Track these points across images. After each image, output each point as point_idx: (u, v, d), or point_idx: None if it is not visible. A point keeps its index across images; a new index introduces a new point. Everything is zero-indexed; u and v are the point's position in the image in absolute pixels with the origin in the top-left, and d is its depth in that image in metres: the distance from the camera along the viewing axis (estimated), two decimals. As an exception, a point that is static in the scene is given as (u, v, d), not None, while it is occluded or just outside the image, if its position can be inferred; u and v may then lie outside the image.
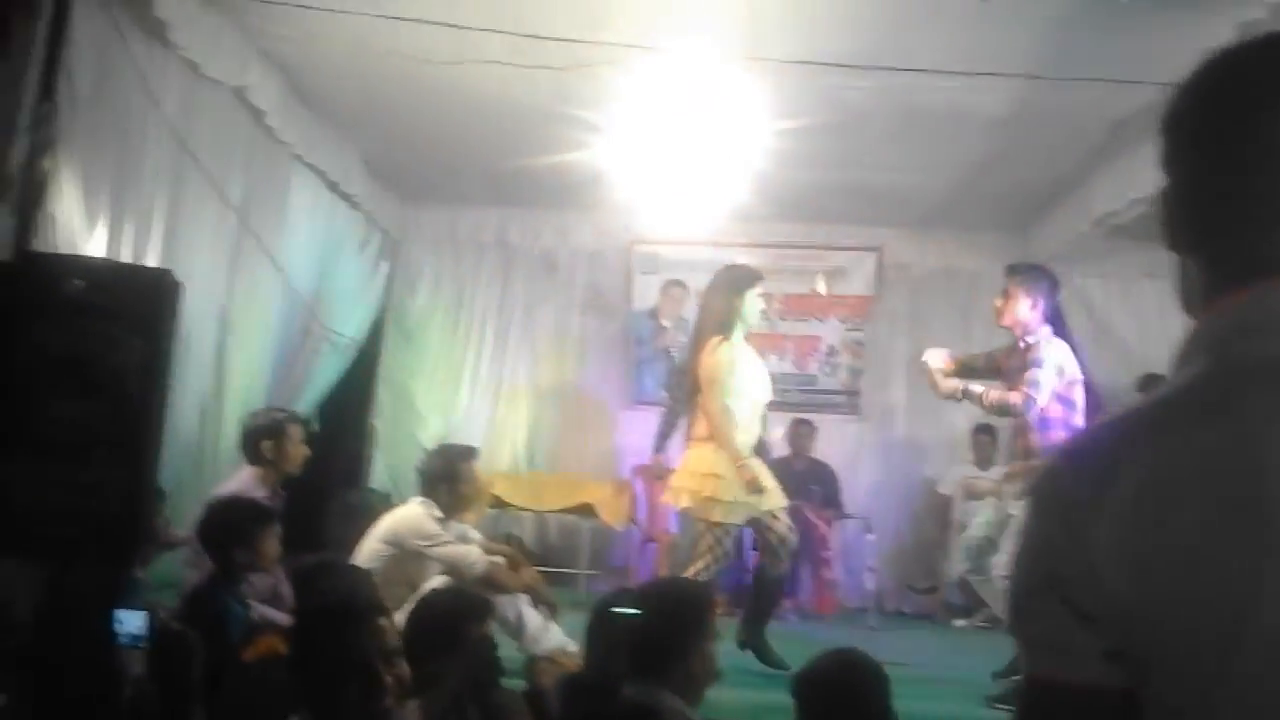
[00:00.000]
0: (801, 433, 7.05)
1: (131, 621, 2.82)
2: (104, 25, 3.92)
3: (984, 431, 6.94)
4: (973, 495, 6.67)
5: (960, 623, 6.47)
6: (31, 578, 3.53)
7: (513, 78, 4.69)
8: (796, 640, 4.76)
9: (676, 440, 6.53)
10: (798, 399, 7.50)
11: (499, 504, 6.92)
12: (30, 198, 3.63)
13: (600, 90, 4.79)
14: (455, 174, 6.85)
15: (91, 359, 3.11)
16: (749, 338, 4.88)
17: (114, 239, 4.07)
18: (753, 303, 4.69)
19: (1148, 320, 7.02)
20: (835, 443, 7.42)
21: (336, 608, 2.33)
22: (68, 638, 2.92)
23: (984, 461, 6.88)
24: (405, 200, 7.52)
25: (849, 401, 7.70)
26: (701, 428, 4.60)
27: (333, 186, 6.27)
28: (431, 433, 7.61)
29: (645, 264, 7.74)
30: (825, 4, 3.85)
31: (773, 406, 7.19)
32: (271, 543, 3.49)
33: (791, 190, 6.32)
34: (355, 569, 3.23)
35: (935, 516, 7.13)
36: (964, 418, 7.25)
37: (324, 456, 6.49)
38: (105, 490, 3.12)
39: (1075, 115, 5.07)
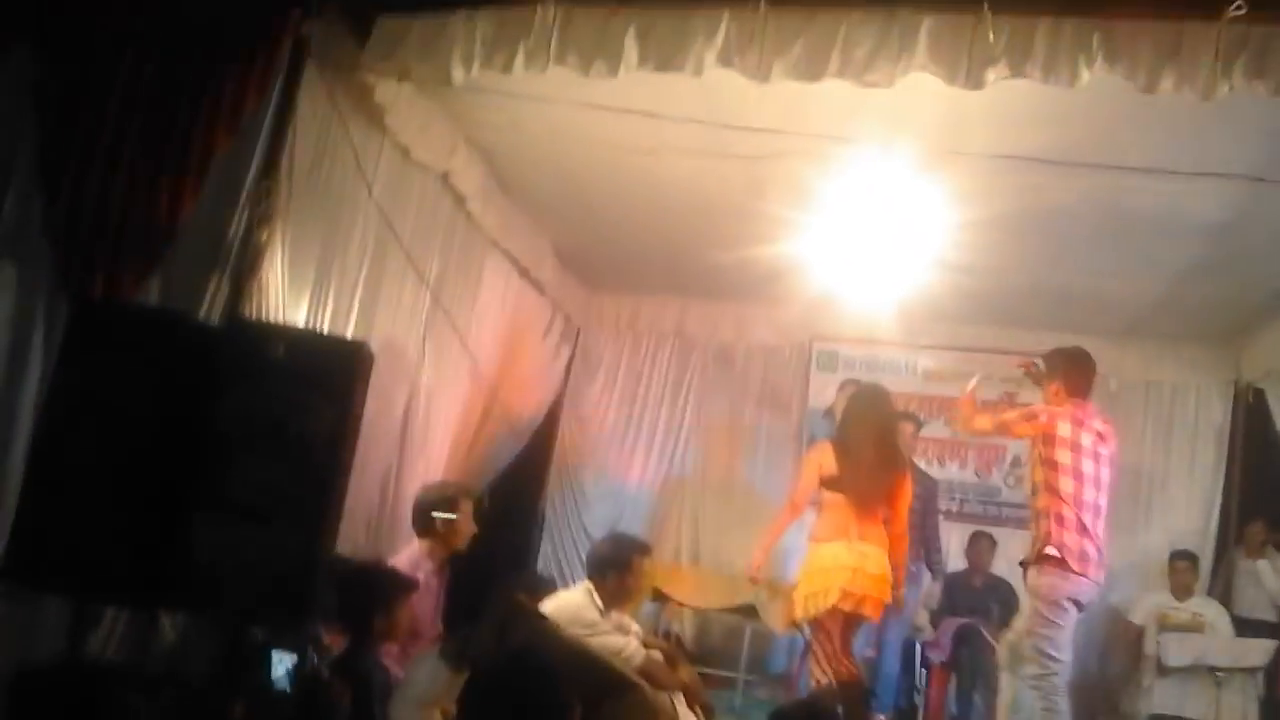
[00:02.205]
0: (981, 546, 6.68)
1: (283, 662, 2.85)
2: (326, 108, 4.18)
3: (1183, 558, 6.43)
4: (1168, 627, 6.18)
5: (1148, 764, 5.92)
6: (208, 634, 3.66)
7: (706, 168, 4.74)
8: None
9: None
10: (978, 510, 7.16)
11: (660, 597, 6.81)
12: (245, 267, 3.85)
13: (792, 182, 4.77)
14: (639, 263, 6.95)
15: (285, 424, 3.22)
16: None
17: (316, 310, 4.27)
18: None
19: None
20: (1017, 559, 6.99)
21: (534, 647, 2.30)
22: (240, 692, 2.97)
23: (1182, 591, 6.35)
24: (589, 287, 7.65)
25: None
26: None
27: (523, 272, 6.45)
28: (598, 519, 7.61)
29: (824, 361, 7.60)
30: (1033, 100, 3.70)
31: (952, 517, 6.99)
32: (408, 614, 3.50)
33: (981, 293, 6.11)
34: (541, 615, 3.21)
35: (1126, 647, 6.58)
36: (1160, 542, 6.77)
37: (493, 538, 6.58)
38: (284, 554, 3.20)
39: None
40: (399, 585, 3.53)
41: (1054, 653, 4.19)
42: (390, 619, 3.41)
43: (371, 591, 3.44)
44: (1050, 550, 4.20)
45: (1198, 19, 3.24)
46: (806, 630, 5.07)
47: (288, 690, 2.90)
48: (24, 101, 4.01)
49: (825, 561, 4.54)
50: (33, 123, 3.99)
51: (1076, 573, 4.16)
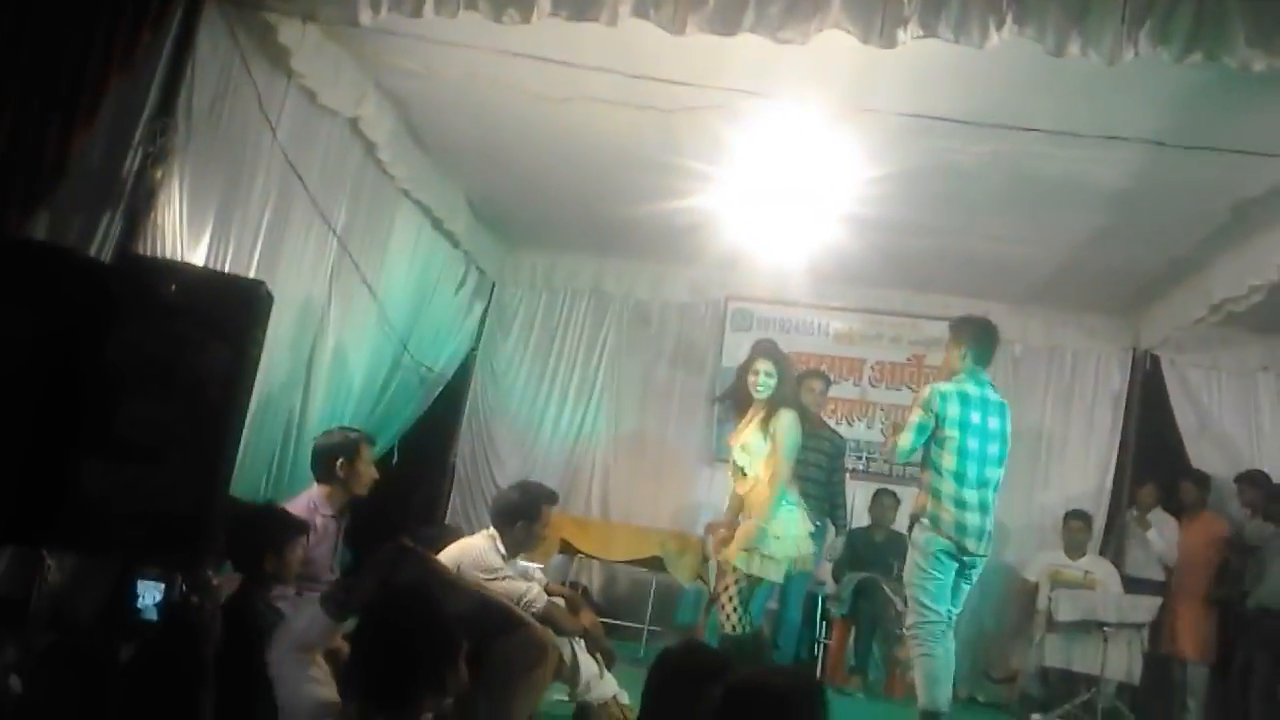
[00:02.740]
0: (884, 504, 6.83)
1: (150, 592, 2.82)
2: (227, 47, 4.05)
3: (1077, 517, 6.65)
4: (1060, 584, 6.40)
5: (1037, 716, 6.14)
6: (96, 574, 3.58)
7: (621, 121, 4.70)
8: (862, 720, 4.56)
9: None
10: (883, 469, 7.31)
11: (567, 548, 6.84)
12: (138, 206, 3.73)
13: (705, 137, 4.78)
14: (556, 218, 6.90)
15: (177, 362, 3.14)
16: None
17: (216, 252, 4.16)
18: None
19: (1260, 416, 6.73)
20: (918, 517, 7.18)
21: (419, 589, 2.30)
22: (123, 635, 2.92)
23: (1074, 550, 6.57)
24: (504, 242, 7.59)
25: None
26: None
27: (436, 224, 6.36)
28: (509, 473, 7.60)
29: (739, 320, 7.66)
30: (942, 61, 3.75)
31: (858, 475, 7.13)
32: (298, 555, 3.48)
33: (891, 256, 6.20)
34: (432, 558, 3.20)
35: (1019, 603, 6.81)
36: (1057, 502, 6.99)
37: (402, 490, 6.53)
38: (176, 494, 3.13)
39: (1198, 192, 4.88)
40: (290, 526, 3.48)
41: (929, 602, 4.35)
42: (282, 561, 3.37)
43: (262, 532, 3.39)
44: (924, 520, 4.36)
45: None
46: (714, 581, 5.15)
47: (155, 620, 2.86)
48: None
49: (793, 529, 4.59)
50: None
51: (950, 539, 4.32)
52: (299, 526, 3.53)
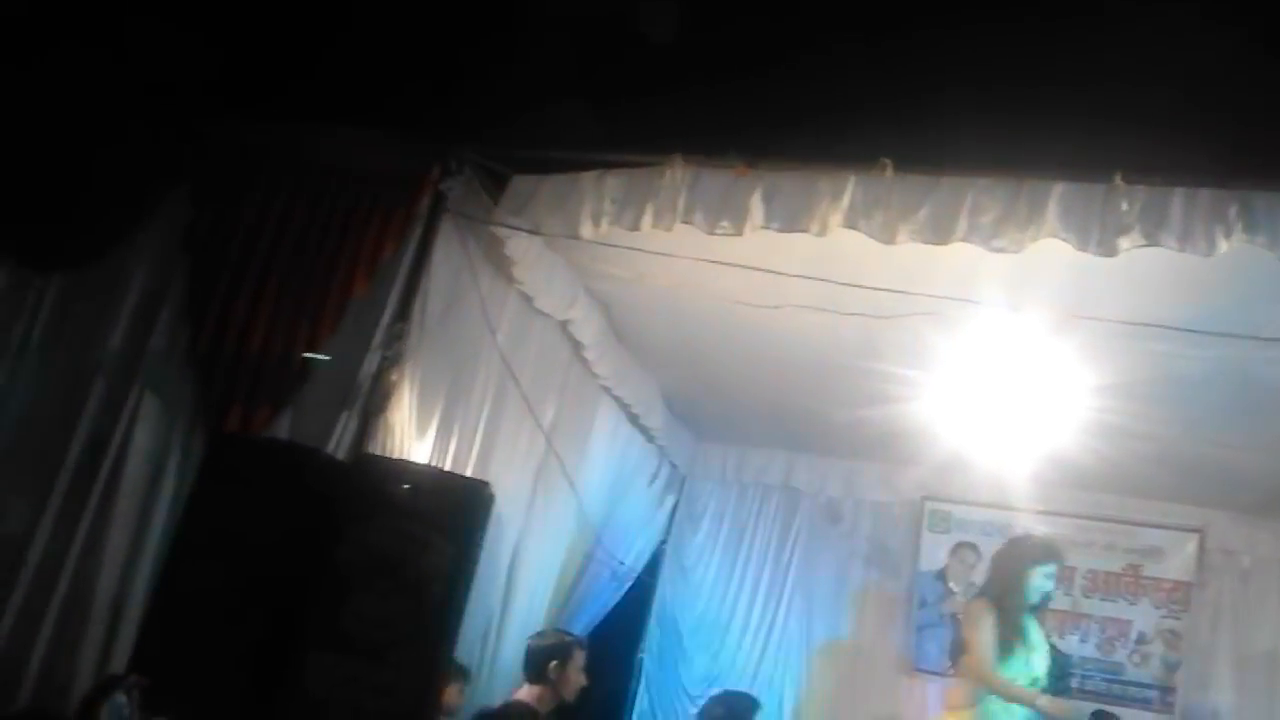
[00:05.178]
0: (1103, 727, 6.29)
1: None
2: (459, 257, 4.36)
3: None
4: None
5: None
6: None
7: (821, 325, 4.74)
8: None
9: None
10: (1100, 687, 6.76)
11: (762, 760, 6.53)
12: (374, 406, 3.97)
13: (910, 342, 4.75)
14: (748, 415, 6.93)
15: (405, 560, 3.27)
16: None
17: (439, 450, 4.35)
18: (1039, 581, 4.40)
19: None
20: (1141, 743, 6.56)
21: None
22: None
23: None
24: (697, 436, 7.65)
25: (1161, 698, 6.83)
26: (956, 694, 4.28)
27: (633, 419, 6.50)
28: (697, 674, 7.42)
29: (936, 522, 7.39)
30: (1164, 267, 3.65)
31: (1073, 694, 6.61)
32: None
33: (1105, 460, 5.90)
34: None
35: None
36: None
37: (590, 688, 6.43)
38: (397, 692, 3.19)
39: None
40: None
41: None
42: None
43: None
44: None
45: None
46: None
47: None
48: (177, 241, 4.29)
49: None
50: (184, 261, 4.27)
51: None
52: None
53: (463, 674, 4.36)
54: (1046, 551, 4.59)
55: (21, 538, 3.93)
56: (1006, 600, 4.44)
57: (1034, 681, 5.02)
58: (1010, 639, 4.49)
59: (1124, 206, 3.27)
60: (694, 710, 6.73)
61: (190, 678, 3.04)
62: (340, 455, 3.82)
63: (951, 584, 7.25)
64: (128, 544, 3.91)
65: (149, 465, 4.01)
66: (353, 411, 3.95)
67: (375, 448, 3.90)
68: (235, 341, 4.06)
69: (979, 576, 7.18)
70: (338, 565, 3.26)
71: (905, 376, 5.08)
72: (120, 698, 2.19)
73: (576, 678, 4.16)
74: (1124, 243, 3.34)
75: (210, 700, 3.12)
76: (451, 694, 4.16)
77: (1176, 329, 3.99)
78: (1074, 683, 6.74)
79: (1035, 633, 4.55)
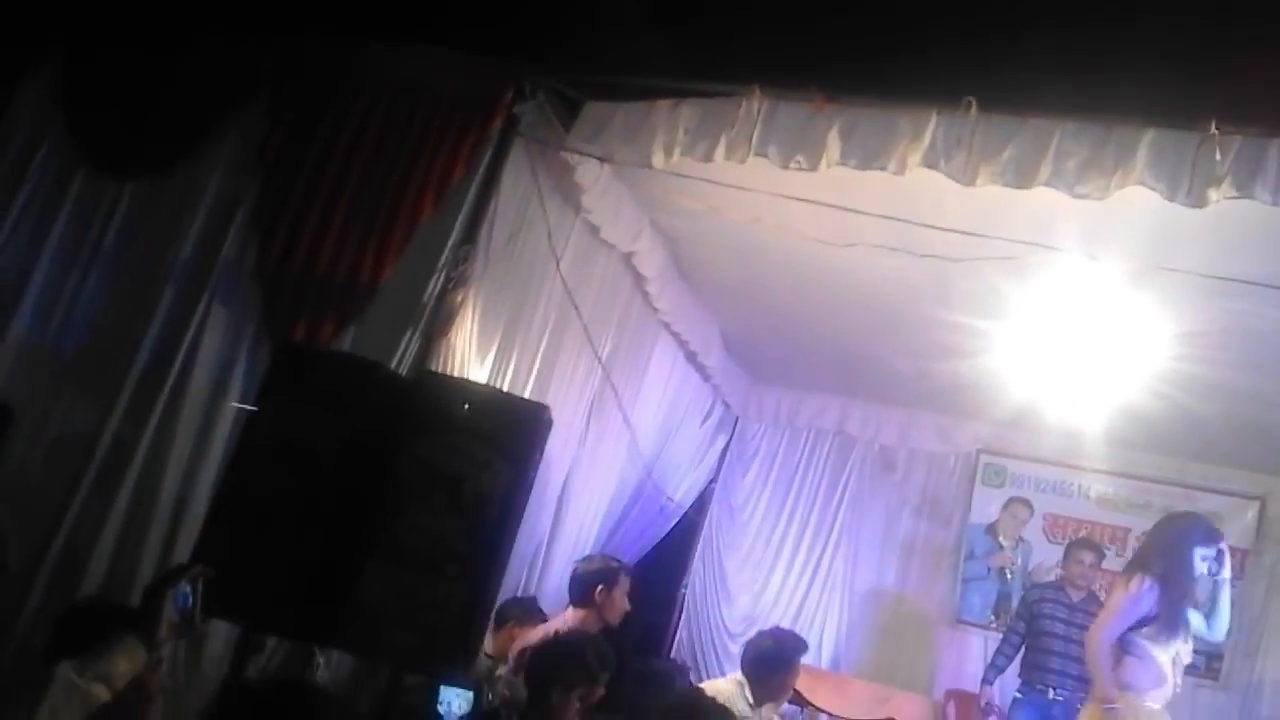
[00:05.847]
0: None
1: (457, 700, 2.86)
2: (528, 183, 4.34)
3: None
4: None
5: None
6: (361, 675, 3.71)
7: (891, 268, 4.66)
8: None
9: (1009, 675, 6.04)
10: (1146, 652, 6.69)
11: (799, 700, 6.58)
12: (437, 327, 3.99)
13: (981, 292, 4.66)
14: (806, 358, 6.88)
15: (464, 478, 3.29)
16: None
17: (497, 374, 4.37)
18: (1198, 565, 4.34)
19: None
20: (1187, 712, 6.49)
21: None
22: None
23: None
24: (752, 377, 7.61)
25: (1209, 665, 6.76)
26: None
27: (690, 356, 6.48)
28: (738, 613, 7.48)
29: (990, 475, 7.32)
30: (1252, 219, 3.53)
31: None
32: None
33: (1169, 420, 5.79)
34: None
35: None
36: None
37: (631, 619, 6.51)
38: (449, 606, 3.23)
39: None
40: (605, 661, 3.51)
41: None
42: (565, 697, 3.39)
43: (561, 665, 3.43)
44: None
45: None
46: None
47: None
48: (252, 153, 4.31)
49: None
50: (257, 174, 4.29)
51: None
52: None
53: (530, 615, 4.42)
54: (1208, 534, 4.55)
55: (90, 437, 4.02)
56: (1171, 578, 4.40)
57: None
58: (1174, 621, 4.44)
59: (1217, 156, 3.15)
60: (734, 647, 6.79)
61: (249, 580, 3.09)
62: (403, 372, 3.86)
63: (1002, 538, 7.20)
64: (192, 447, 4.00)
65: (216, 373, 4.08)
66: (416, 331, 3.97)
67: (437, 368, 3.93)
68: (304, 257, 4.09)
69: (1030, 532, 7.14)
70: (396, 479, 3.28)
71: (975, 327, 5.00)
72: (186, 586, 2.23)
73: (621, 603, 4.20)
74: (1214, 194, 3.22)
75: (268, 606, 3.19)
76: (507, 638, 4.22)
77: (1258, 284, 3.86)
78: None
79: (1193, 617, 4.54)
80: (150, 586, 2.26)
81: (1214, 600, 4.71)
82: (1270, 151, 3.17)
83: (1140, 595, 4.43)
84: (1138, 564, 4.67)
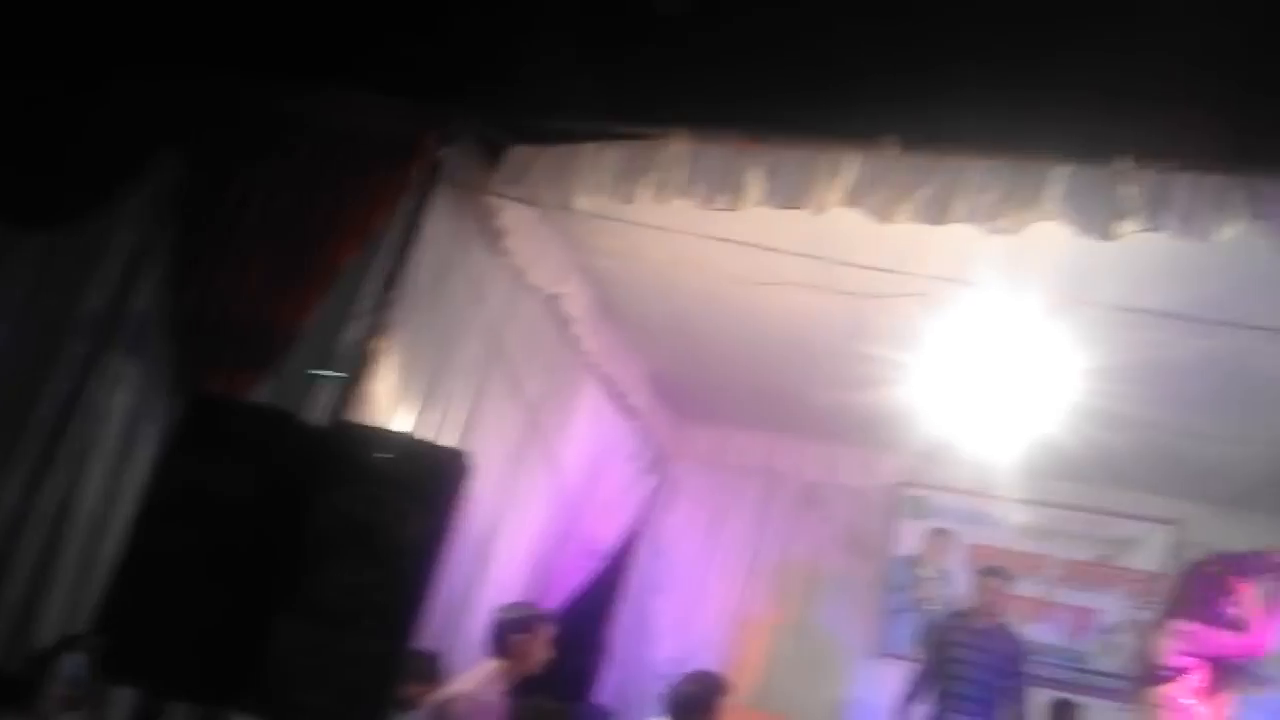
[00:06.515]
0: (1064, 716, 6.31)
1: None
2: (450, 227, 4.27)
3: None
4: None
5: None
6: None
7: (811, 305, 4.71)
8: None
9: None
10: (1065, 676, 6.79)
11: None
12: (356, 374, 3.89)
13: (898, 326, 4.71)
14: (732, 395, 6.90)
15: (378, 529, 3.18)
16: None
17: (421, 418, 4.27)
18: None
19: None
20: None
21: None
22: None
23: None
24: (679, 416, 7.59)
25: (1127, 688, 6.87)
26: None
27: (617, 397, 6.44)
28: (665, 654, 7.40)
29: (913, 507, 7.39)
30: (1162, 253, 3.63)
31: (1039, 682, 6.63)
32: None
33: (1086, 449, 5.90)
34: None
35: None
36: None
37: (557, 664, 6.40)
38: (362, 662, 3.12)
39: None
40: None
41: None
42: None
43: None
44: None
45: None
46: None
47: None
48: (165, 202, 4.18)
49: None
50: (172, 223, 4.15)
51: None
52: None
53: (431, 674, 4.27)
54: None
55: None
56: None
57: None
58: None
59: (1129, 190, 3.23)
60: (662, 689, 6.71)
61: (152, 643, 2.95)
62: (323, 422, 3.74)
63: (924, 570, 7.27)
64: (99, 505, 3.83)
65: (125, 427, 3.92)
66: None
67: (356, 416, 3.82)
68: (220, 305, 3.96)
69: (952, 562, 7.21)
70: (311, 532, 3.16)
71: (891, 360, 5.05)
72: (78, 657, 2.10)
73: (540, 652, 4.11)
74: (1125, 226, 3.30)
75: (173, 664, 3.04)
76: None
77: (1170, 315, 3.96)
78: (1041, 670, 6.76)
79: None
80: (39, 655, 2.13)
81: None
82: (1179, 184, 3.25)
83: None
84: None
